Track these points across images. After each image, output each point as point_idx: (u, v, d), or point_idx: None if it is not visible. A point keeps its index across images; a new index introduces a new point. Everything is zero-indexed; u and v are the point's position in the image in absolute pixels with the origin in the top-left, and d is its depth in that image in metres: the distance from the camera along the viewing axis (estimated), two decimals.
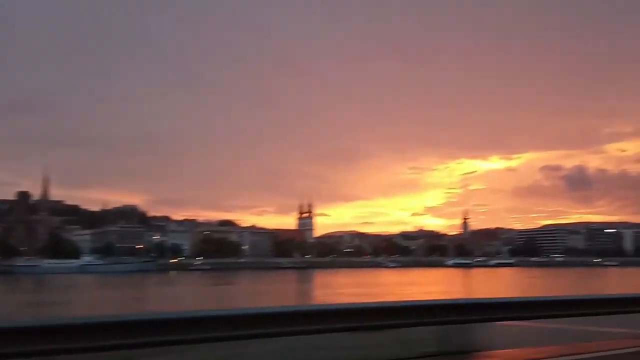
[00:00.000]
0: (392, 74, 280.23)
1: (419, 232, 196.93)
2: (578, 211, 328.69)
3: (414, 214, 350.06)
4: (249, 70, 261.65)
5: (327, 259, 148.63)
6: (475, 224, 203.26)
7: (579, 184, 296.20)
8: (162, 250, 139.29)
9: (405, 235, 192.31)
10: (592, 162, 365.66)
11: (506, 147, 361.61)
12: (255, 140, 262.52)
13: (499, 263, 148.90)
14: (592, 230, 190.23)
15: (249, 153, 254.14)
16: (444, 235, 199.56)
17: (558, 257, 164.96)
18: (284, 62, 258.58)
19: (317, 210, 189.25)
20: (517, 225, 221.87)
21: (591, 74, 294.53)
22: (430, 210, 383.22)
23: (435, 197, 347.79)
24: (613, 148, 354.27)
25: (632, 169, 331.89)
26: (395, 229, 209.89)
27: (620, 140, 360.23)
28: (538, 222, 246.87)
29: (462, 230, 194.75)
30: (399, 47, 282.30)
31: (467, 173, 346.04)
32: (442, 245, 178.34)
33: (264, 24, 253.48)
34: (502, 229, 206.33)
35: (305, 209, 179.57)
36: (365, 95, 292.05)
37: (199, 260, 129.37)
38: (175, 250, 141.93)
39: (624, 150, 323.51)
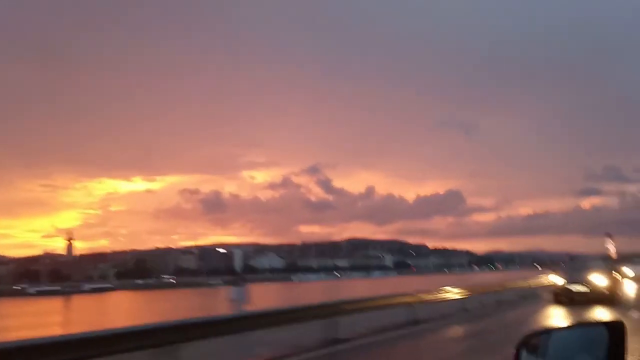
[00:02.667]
0: (20, 80, 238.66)
1: (7, 258, 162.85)
2: (215, 233, 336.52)
3: (45, 236, 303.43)
4: None
5: None
6: (115, 246, 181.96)
7: (215, 207, 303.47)
8: None
9: None
10: (229, 187, 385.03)
11: (149, 169, 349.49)
12: None
13: (95, 288, 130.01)
14: (204, 250, 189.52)
15: None
16: (42, 258, 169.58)
17: (167, 278, 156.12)
18: None
19: None
20: (159, 245, 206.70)
21: (235, 105, 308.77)
22: (65, 233, 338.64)
23: (71, 218, 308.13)
24: (247, 175, 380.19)
25: (262, 195, 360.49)
26: (21, 253, 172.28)
27: (254, 169, 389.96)
28: (179, 243, 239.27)
29: (65, 253, 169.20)
30: (31, 49, 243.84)
31: (108, 193, 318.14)
32: (34, 270, 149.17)
33: None
34: (127, 251, 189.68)
35: None
36: None
37: None
38: None
39: (254, 178, 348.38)
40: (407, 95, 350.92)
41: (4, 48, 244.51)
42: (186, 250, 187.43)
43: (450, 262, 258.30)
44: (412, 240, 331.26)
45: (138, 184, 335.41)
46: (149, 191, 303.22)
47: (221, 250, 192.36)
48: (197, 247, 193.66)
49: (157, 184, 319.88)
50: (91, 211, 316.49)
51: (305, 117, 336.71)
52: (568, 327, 2.48)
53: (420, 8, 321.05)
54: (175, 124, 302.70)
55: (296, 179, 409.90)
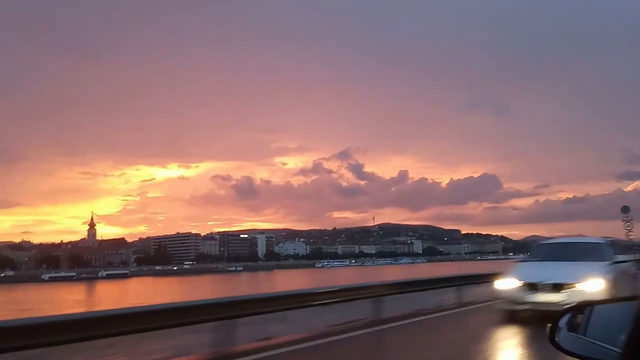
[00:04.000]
0: (58, 72, 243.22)
1: (27, 243, 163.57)
2: (250, 219, 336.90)
3: (85, 222, 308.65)
4: None
5: None
6: (154, 232, 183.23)
7: (247, 193, 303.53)
8: None
9: (13, 246, 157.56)
10: (260, 174, 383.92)
11: (184, 156, 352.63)
12: None
13: (111, 274, 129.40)
14: (226, 237, 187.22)
15: None
16: (62, 245, 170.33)
17: (186, 265, 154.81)
18: None
19: None
20: (192, 231, 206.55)
21: (267, 92, 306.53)
22: (105, 218, 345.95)
23: (111, 204, 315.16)
24: (278, 161, 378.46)
25: (294, 181, 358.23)
26: (64, 238, 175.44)
27: (285, 155, 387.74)
28: (214, 229, 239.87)
29: (87, 238, 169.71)
30: (68, 43, 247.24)
31: (145, 180, 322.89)
32: (54, 256, 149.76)
33: None
34: (150, 237, 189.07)
35: None
36: (26, 92, 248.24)
37: None
38: None
39: (285, 164, 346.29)
40: (437, 78, 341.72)
41: (44, 45, 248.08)
42: (208, 237, 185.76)
43: (484, 248, 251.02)
44: (446, 225, 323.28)
45: (173, 171, 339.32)
46: (183, 178, 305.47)
47: (243, 236, 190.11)
48: (219, 233, 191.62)
49: (192, 170, 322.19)
50: (130, 197, 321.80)
51: (336, 103, 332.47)
52: (611, 300, 2.38)
53: None
54: (208, 111, 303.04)
55: (327, 165, 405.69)
